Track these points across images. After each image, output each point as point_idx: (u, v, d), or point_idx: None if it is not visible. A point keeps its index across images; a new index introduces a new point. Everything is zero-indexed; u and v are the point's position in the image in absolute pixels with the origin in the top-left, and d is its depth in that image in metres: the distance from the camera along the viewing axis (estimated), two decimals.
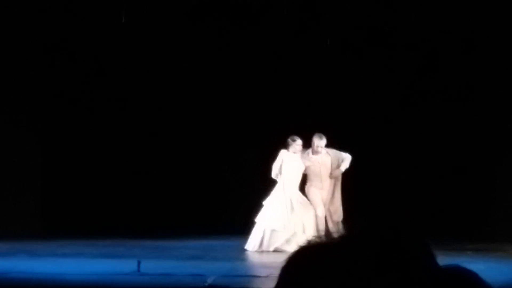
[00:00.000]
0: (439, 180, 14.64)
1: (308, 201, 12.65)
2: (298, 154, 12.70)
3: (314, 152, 12.82)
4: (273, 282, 1.59)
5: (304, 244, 1.56)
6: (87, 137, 15.87)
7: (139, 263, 10.02)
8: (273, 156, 12.75)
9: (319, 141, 12.78)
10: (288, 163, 12.60)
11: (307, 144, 12.87)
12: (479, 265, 11.01)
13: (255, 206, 15.73)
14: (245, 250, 12.55)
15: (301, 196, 12.69)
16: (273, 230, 12.44)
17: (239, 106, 15.88)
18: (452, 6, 14.35)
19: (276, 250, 12.18)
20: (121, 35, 15.30)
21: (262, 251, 12.36)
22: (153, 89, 15.97)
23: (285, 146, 12.73)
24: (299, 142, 12.69)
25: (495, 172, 14.39)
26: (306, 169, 12.77)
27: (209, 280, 9.49)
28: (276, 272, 1.59)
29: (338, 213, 12.76)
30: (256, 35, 15.38)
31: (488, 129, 14.45)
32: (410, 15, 14.21)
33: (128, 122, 15.95)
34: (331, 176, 12.79)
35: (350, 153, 12.97)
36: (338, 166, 12.83)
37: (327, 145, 12.87)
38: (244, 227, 14.71)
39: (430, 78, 15.06)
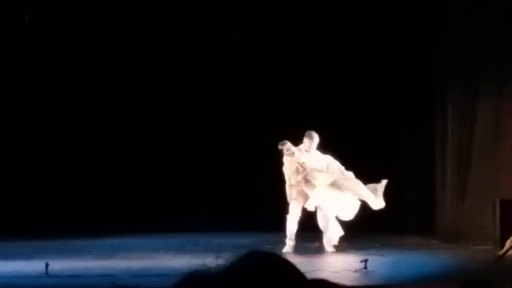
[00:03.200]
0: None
1: None
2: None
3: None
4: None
5: (190, 273, 1.61)
6: None
7: (47, 264, 9.83)
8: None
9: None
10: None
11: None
12: (387, 258, 11.21)
13: (166, 203, 15.68)
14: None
15: None
16: None
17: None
18: None
19: None
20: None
21: None
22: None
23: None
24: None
25: (400, 164, 14.60)
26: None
27: (119, 281, 9.38)
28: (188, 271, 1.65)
29: None
30: None
31: (388, 121, 14.65)
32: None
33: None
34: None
35: None
36: None
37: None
38: (154, 224, 14.63)
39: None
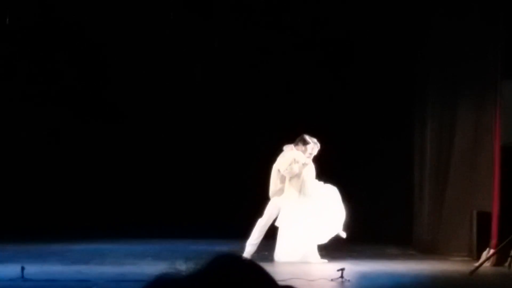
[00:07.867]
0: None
1: None
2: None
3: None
4: None
5: (159, 276, 1.59)
6: None
7: (22, 268, 9.78)
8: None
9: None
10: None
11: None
12: (364, 267, 11.23)
13: (144, 209, 15.66)
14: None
15: None
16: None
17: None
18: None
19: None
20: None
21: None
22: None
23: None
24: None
25: (378, 174, 14.65)
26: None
27: (95, 286, 9.35)
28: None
29: None
30: None
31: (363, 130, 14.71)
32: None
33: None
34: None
35: None
36: None
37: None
38: (132, 230, 14.61)
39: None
